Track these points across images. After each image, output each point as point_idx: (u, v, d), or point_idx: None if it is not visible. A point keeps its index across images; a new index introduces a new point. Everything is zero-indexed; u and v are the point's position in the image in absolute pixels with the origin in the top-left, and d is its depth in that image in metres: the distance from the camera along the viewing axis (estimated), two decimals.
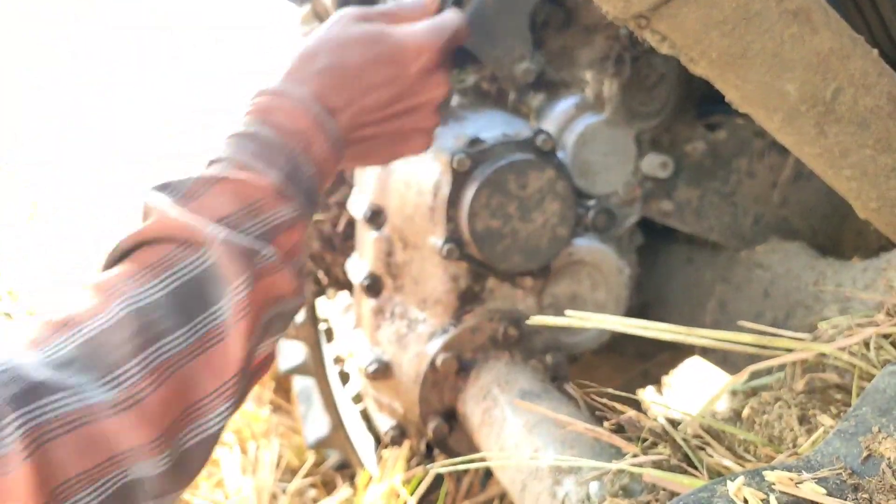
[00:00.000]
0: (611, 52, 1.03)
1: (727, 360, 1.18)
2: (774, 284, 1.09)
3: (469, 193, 0.95)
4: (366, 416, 1.60)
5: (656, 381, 1.82)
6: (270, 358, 0.59)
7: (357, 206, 1.17)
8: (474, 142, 0.96)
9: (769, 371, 0.67)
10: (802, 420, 0.58)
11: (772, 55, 0.54)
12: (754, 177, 1.16)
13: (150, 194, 0.55)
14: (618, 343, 1.45)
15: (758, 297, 1.12)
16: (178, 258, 0.51)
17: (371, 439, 1.56)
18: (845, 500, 0.42)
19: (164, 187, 0.55)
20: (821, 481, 0.44)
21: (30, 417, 0.43)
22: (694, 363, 1.82)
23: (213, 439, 0.53)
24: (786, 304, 1.06)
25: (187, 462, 0.51)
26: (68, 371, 0.45)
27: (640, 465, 0.61)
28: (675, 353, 1.65)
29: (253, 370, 0.57)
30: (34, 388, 0.43)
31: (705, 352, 1.24)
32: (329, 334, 1.78)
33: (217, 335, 0.51)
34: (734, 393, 0.76)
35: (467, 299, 1.04)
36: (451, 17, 0.77)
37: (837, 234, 1.24)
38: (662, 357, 1.66)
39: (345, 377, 1.66)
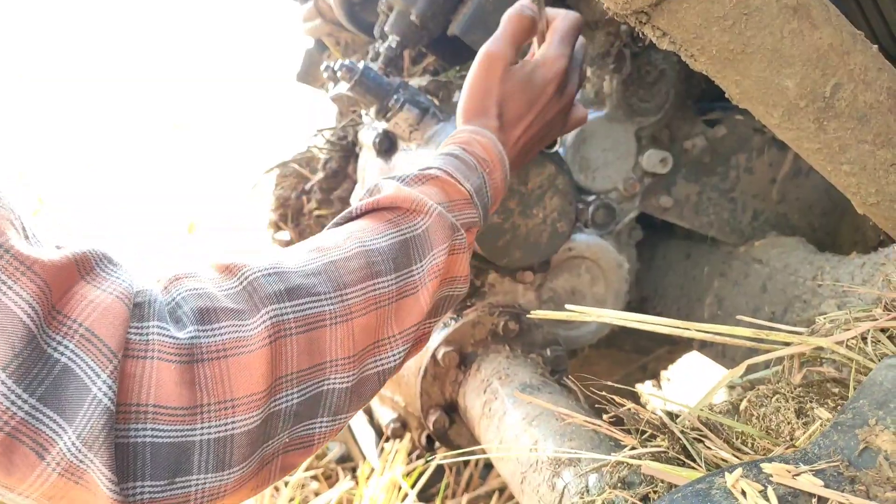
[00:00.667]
0: (611, 49, 1.04)
1: (725, 355, 1.19)
2: (772, 279, 1.10)
3: None
4: (368, 410, 1.60)
5: (654, 376, 1.83)
6: (426, 338, 0.70)
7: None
8: None
9: (767, 365, 0.68)
10: (800, 413, 0.58)
11: (771, 51, 0.55)
12: (753, 173, 1.17)
13: (382, 181, 0.69)
14: (616, 338, 1.46)
15: (755, 292, 1.12)
16: (402, 221, 0.64)
17: (373, 433, 1.57)
18: (842, 492, 0.43)
19: (391, 177, 0.69)
20: (818, 473, 0.44)
21: (280, 313, 0.53)
22: (692, 358, 1.83)
23: (387, 374, 0.63)
24: (783, 298, 1.07)
25: (364, 387, 0.61)
26: (315, 279, 0.56)
27: (639, 457, 0.61)
28: (673, 348, 1.66)
29: (413, 342, 0.67)
30: (292, 289, 0.54)
31: (703, 346, 1.24)
32: None
33: (412, 288, 0.63)
34: (732, 386, 0.76)
35: (468, 294, 1.05)
36: (568, 23, 0.84)
37: (835, 230, 1.24)
38: (660, 352, 1.67)
39: None
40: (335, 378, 0.57)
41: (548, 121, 0.84)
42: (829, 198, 1.21)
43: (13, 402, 0.42)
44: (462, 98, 0.83)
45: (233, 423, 0.49)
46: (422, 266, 0.63)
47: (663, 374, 1.94)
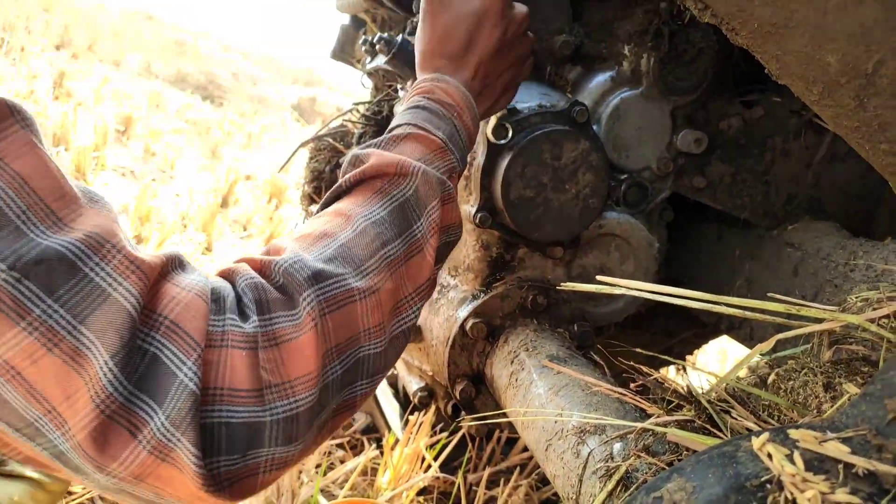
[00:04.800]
0: (650, 26, 1.03)
1: (753, 338, 1.18)
2: (804, 263, 1.09)
3: (504, 162, 0.96)
4: (393, 383, 1.63)
5: (677, 362, 1.82)
6: (433, 285, 0.72)
7: None
8: (511, 112, 0.97)
9: (795, 343, 0.68)
10: (828, 388, 0.59)
11: (814, 26, 0.55)
12: (789, 156, 1.16)
13: (357, 151, 0.70)
14: (642, 319, 1.46)
15: (787, 276, 1.12)
16: (392, 186, 0.67)
17: (397, 405, 1.60)
18: (869, 459, 0.43)
19: (367, 145, 0.71)
20: (845, 441, 0.45)
21: (317, 294, 0.56)
22: (717, 345, 1.83)
23: (410, 331, 0.67)
24: (815, 282, 1.06)
25: (393, 346, 0.65)
26: (333, 264, 0.59)
27: (664, 426, 0.62)
28: (700, 331, 1.65)
29: (428, 295, 0.70)
30: (317, 273, 0.57)
31: (731, 329, 1.24)
32: None
33: (418, 246, 0.66)
34: (759, 363, 0.77)
35: (498, 267, 1.06)
36: None
37: (870, 216, 1.23)
38: (686, 335, 1.67)
39: None
40: (369, 345, 0.61)
41: (496, 51, 0.82)
42: (865, 184, 1.19)
43: (115, 388, 0.46)
44: (416, 49, 0.84)
45: (296, 402, 0.53)
46: (421, 224, 0.67)
47: (688, 358, 1.94)
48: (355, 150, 0.71)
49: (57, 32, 6.21)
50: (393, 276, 0.63)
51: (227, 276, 0.57)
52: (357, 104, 1.41)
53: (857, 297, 0.68)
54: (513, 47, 0.84)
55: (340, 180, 0.69)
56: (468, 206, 1.02)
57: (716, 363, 2.95)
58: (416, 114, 0.74)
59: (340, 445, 1.66)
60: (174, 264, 0.53)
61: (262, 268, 0.58)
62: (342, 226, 0.63)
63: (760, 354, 0.67)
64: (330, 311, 0.57)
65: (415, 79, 1.00)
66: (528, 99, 1.02)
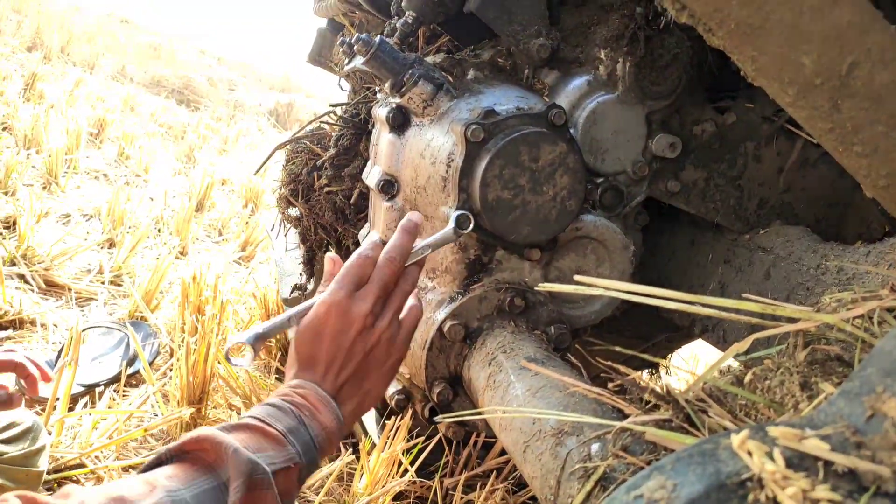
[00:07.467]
0: (625, 31, 1.04)
1: (726, 340, 1.19)
2: (776, 267, 1.10)
3: (482, 164, 0.96)
4: None
5: (653, 365, 1.84)
6: None
7: (371, 176, 1.18)
8: (489, 114, 0.97)
9: (770, 344, 0.68)
10: (804, 387, 0.59)
11: (790, 26, 0.55)
12: (761, 161, 1.17)
13: (189, 435, 0.71)
14: (617, 323, 1.47)
15: (759, 279, 1.13)
16: (204, 470, 0.67)
17: (373, 410, 1.58)
18: (848, 455, 0.43)
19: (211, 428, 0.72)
20: (824, 438, 0.45)
21: None
22: (691, 349, 1.84)
23: None
24: (787, 286, 1.07)
25: None
26: None
27: (643, 425, 0.62)
28: (673, 335, 1.66)
29: None
30: None
31: (704, 332, 1.25)
32: None
33: None
34: (733, 367, 0.77)
35: (476, 269, 1.05)
36: (337, 266, 0.85)
37: (840, 221, 1.25)
38: (660, 339, 1.68)
39: None
40: None
41: (347, 348, 0.81)
42: (835, 190, 1.21)
43: None
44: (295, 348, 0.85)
45: None
46: None
47: (661, 362, 1.95)
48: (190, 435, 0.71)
49: (29, 34, 6.10)
50: None
51: None
52: (334, 106, 1.40)
53: (831, 298, 0.68)
54: (363, 341, 0.82)
55: (163, 450, 0.69)
56: (446, 209, 1.01)
57: (688, 368, 2.97)
58: (262, 409, 0.75)
59: None
60: None
61: None
62: (143, 496, 0.62)
63: (737, 354, 0.67)
64: None
65: (394, 80, 1.00)
66: (505, 102, 1.02)
